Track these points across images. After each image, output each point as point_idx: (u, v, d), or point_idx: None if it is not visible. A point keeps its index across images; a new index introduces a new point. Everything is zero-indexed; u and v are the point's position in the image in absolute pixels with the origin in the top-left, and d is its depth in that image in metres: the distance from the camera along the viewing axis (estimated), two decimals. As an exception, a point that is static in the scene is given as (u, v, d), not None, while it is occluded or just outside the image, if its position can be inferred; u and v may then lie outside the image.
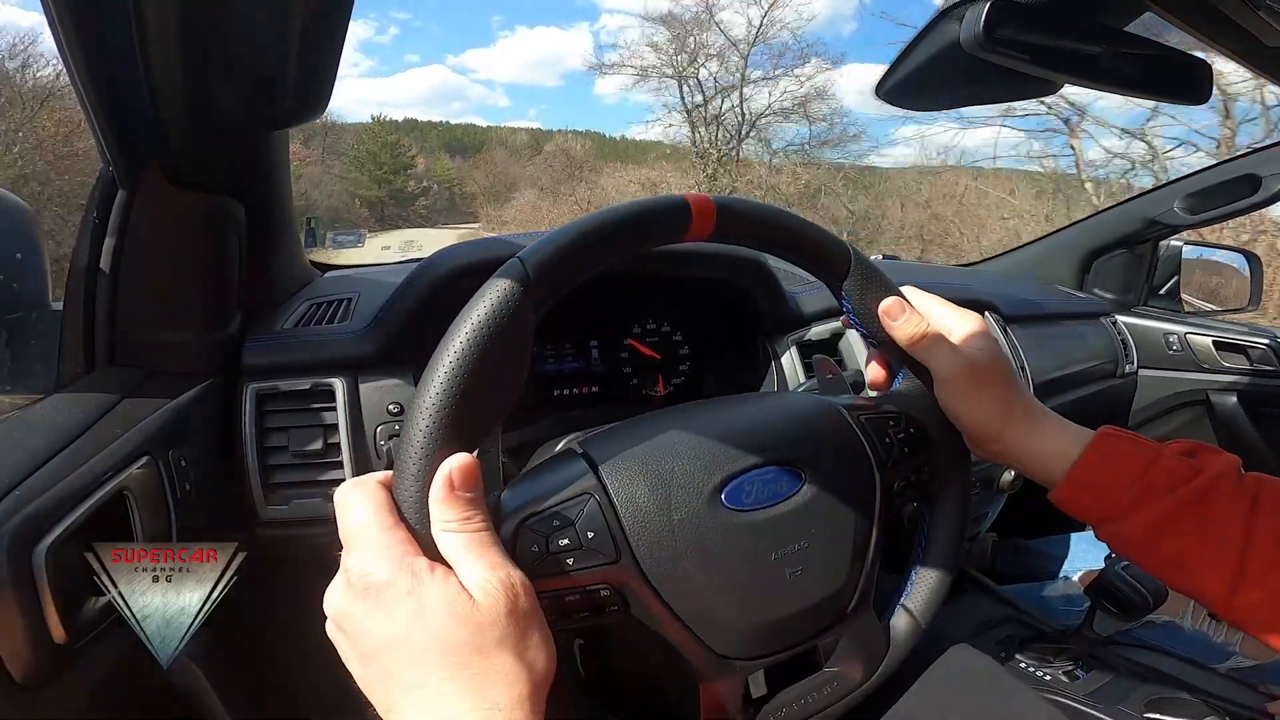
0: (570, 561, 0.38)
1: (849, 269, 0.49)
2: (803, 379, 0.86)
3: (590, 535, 0.39)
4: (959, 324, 0.50)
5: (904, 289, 0.51)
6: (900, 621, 0.50)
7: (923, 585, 0.52)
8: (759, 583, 0.42)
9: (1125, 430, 0.49)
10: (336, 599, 0.34)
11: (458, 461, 0.33)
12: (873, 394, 0.55)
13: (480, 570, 0.33)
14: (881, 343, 0.51)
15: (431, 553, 0.33)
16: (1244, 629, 0.45)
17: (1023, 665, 0.89)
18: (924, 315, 0.50)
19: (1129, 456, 0.47)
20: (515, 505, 0.39)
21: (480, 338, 0.35)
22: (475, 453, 0.35)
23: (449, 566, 0.33)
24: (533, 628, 0.33)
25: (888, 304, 0.49)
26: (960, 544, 0.52)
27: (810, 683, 0.46)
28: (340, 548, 0.35)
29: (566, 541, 0.39)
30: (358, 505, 0.34)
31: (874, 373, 0.55)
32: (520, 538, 0.38)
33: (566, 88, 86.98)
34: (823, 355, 0.57)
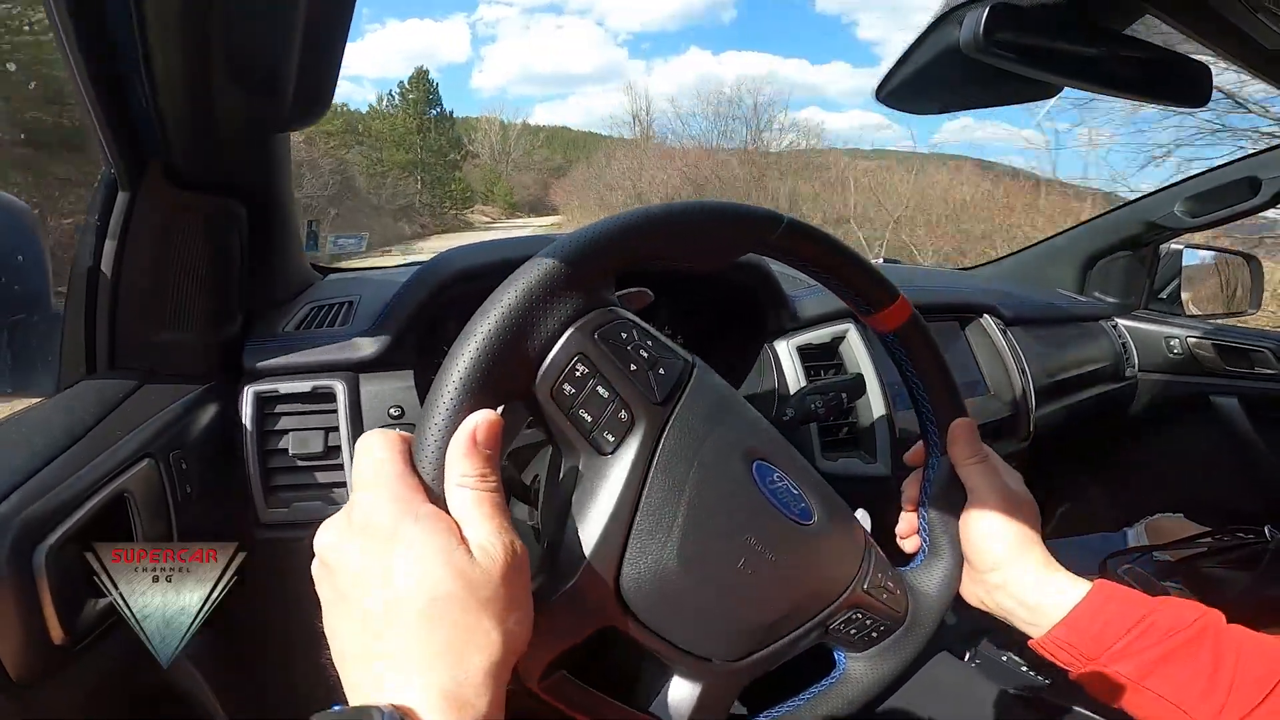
0: (633, 368, 0.40)
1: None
2: (803, 382, 0.86)
3: (661, 372, 0.41)
4: (1003, 464, 0.54)
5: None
6: None
7: None
8: (716, 544, 0.41)
9: (1119, 586, 0.51)
10: (331, 534, 0.34)
11: (484, 417, 0.34)
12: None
13: (485, 530, 0.33)
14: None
15: (440, 505, 0.33)
16: None
17: (1021, 668, 0.89)
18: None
19: (1132, 600, 0.49)
20: (630, 314, 0.42)
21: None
22: (500, 411, 0.36)
23: (455, 521, 0.33)
24: (520, 600, 0.33)
25: (960, 423, 0.53)
26: (851, 711, 0.50)
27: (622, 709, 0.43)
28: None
29: (645, 355, 0.40)
30: (377, 450, 0.34)
31: (911, 499, 0.57)
32: (619, 323, 0.40)
33: (443, 80, 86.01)
34: (863, 511, 0.58)
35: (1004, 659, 0.92)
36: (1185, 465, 1.59)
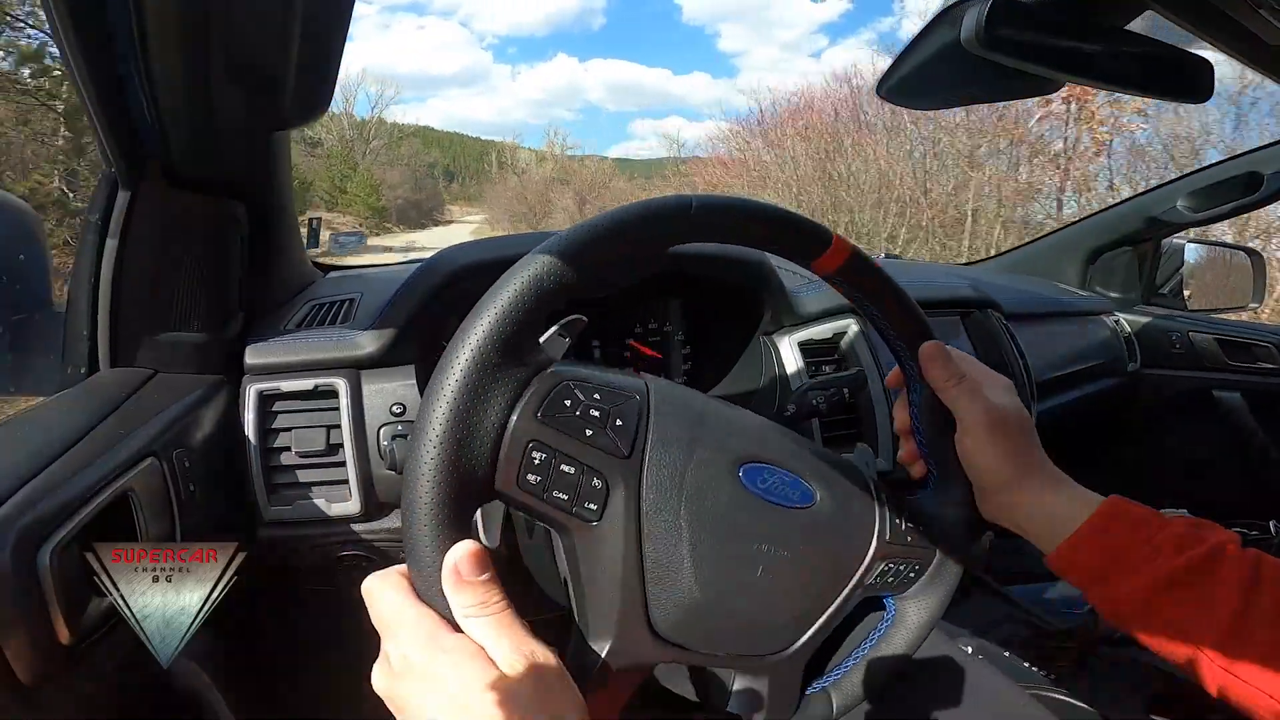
0: (589, 433, 0.39)
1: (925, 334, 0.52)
2: (805, 378, 0.86)
3: (619, 423, 0.40)
4: (987, 378, 0.53)
5: (944, 348, 0.53)
6: (818, 701, 0.49)
7: (856, 675, 0.50)
8: (730, 563, 0.42)
9: (1131, 501, 0.49)
10: (382, 683, 0.36)
11: (460, 552, 0.34)
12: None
13: (505, 648, 0.34)
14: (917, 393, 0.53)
15: (458, 630, 0.35)
16: (1243, 702, 0.44)
17: (1025, 664, 0.89)
18: (962, 368, 0.52)
19: (1138, 521, 0.48)
20: (568, 370, 0.40)
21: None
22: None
23: (479, 644, 0.34)
24: (563, 694, 0.35)
25: (929, 346, 0.51)
26: (911, 652, 0.51)
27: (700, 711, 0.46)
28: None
29: (596, 414, 0.39)
30: (386, 594, 0.36)
31: (900, 422, 0.56)
32: (559, 391, 0.39)
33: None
34: (865, 445, 0.58)
35: (1005, 654, 0.93)
36: (1188, 460, 1.59)
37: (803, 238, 0.46)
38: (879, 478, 0.52)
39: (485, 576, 0.34)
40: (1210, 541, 0.46)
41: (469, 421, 0.36)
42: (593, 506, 0.39)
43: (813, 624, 0.45)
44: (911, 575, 0.50)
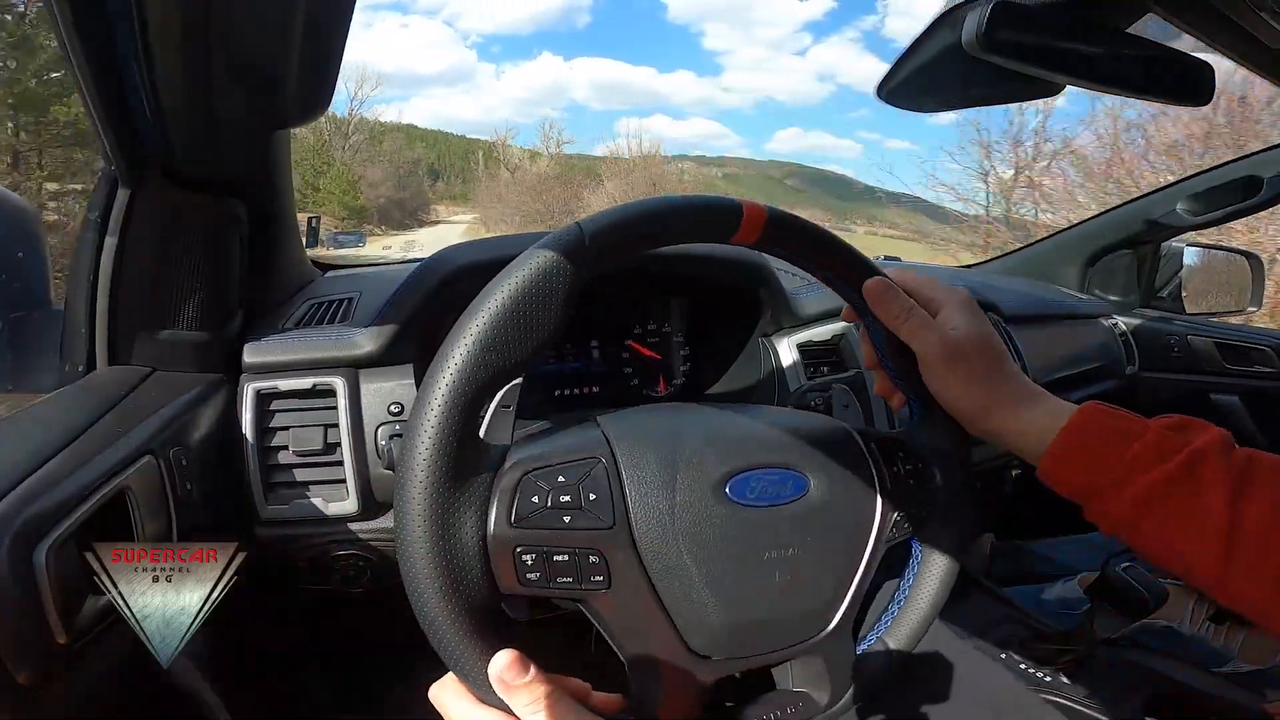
0: (567, 519, 0.39)
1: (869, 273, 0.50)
2: (804, 380, 0.86)
3: (592, 497, 0.40)
4: (945, 302, 0.51)
5: (890, 268, 0.52)
6: (876, 654, 0.50)
7: (905, 621, 0.51)
8: (746, 580, 0.42)
9: (1111, 405, 0.48)
10: None
11: (501, 664, 0.36)
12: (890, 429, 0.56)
13: None
14: (877, 336, 0.52)
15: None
16: (1242, 610, 0.43)
17: (1023, 666, 0.89)
18: (911, 293, 0.51)
19: (1112, 431, 0.46)
20: (524, 456, 0.40)
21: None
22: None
23: None
24: None
25: (871, 284, 0.50)
26: (949, 586, 0.51)
27: (775, 700, 0.46)
28: None
29: (568, 498, 0.39)
30: (452, 703, 0.38)
31: (868, 357, 0.55)
32: (522, 487, 0.38)
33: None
34: (843, 385, 0.57)
35: (1003, 655, 0.93)
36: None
37: (713, 216, 0.44)
38: (869, 431, 0.51)
39: (530, 677, 0.36)
40: (1190, 447, 0.44)
41: (451, 547, 0.36)
42: (599, 579, 0.39)
43: (846, 594, 0.46)
44: (925, 513, 0.50)
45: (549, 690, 0.36)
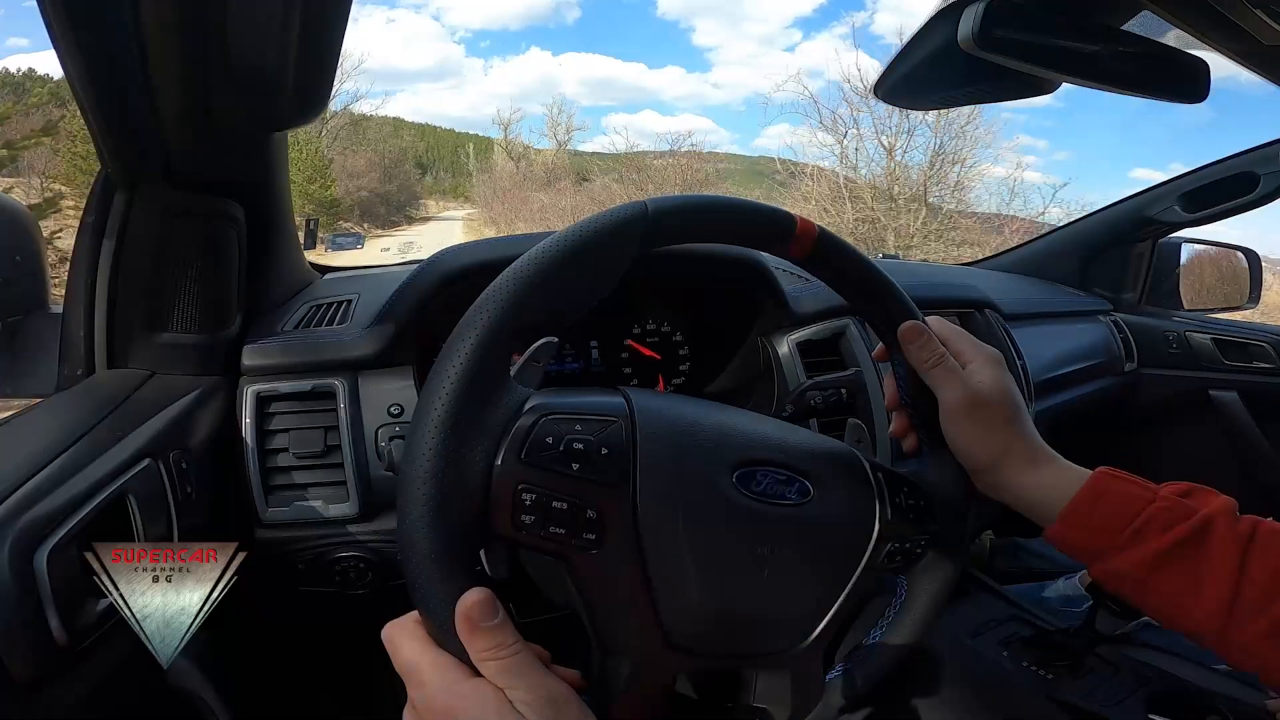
0: (576, 466, 0.38)
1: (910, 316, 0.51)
2: (803, 379, 0.86)
3: (604, 452, 0.39)
4: (974, 356, 0.52)
5: (929, 317, 0.53)
6: (842, 684, 0.50)
7: (877, 656, 0.51)
8: (736, 570, 0.42)
9: (1122, 472, 0.49)
10: None
11: (470, 600, 0.34)
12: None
13: (522, 689, 0.34)
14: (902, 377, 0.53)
15: (477, 673, 0.35)
16: (1239, 664, 0.45)
17: (1024, 664, 0.89)
18: (944, 342, 0.51)
19: (1125, 496, 0.47)
20: (546, 401, 0.40)
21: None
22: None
23: (497, 686, 0.35)
24: None
25: (906, 327, 0.51)
26: (926, 628, 0.52)
27: (732, 714, 0.45)
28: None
29: (580, 447, 0.39)
30: (405, 642, 0.36)
31: (890, 398, 0.56)
32: (538, 428, 0.38)
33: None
34: (856, 420, 0.57)
35: (1004, 653, 0.93)
36: (1185, 459, 1.59)
37: (767, 225, 0.46)
38: (878, 463, 0.51)
39: (497, 620, 0.35)
40: (1199, 514, 0.45)
41: (455, 472, 0.36)
42: (591, 536, 0.39)
43: (826, 613, 0.46)
44: (917, 551, 0.50)
45: (513, 639, 0.35)
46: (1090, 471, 0.49)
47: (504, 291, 0.37)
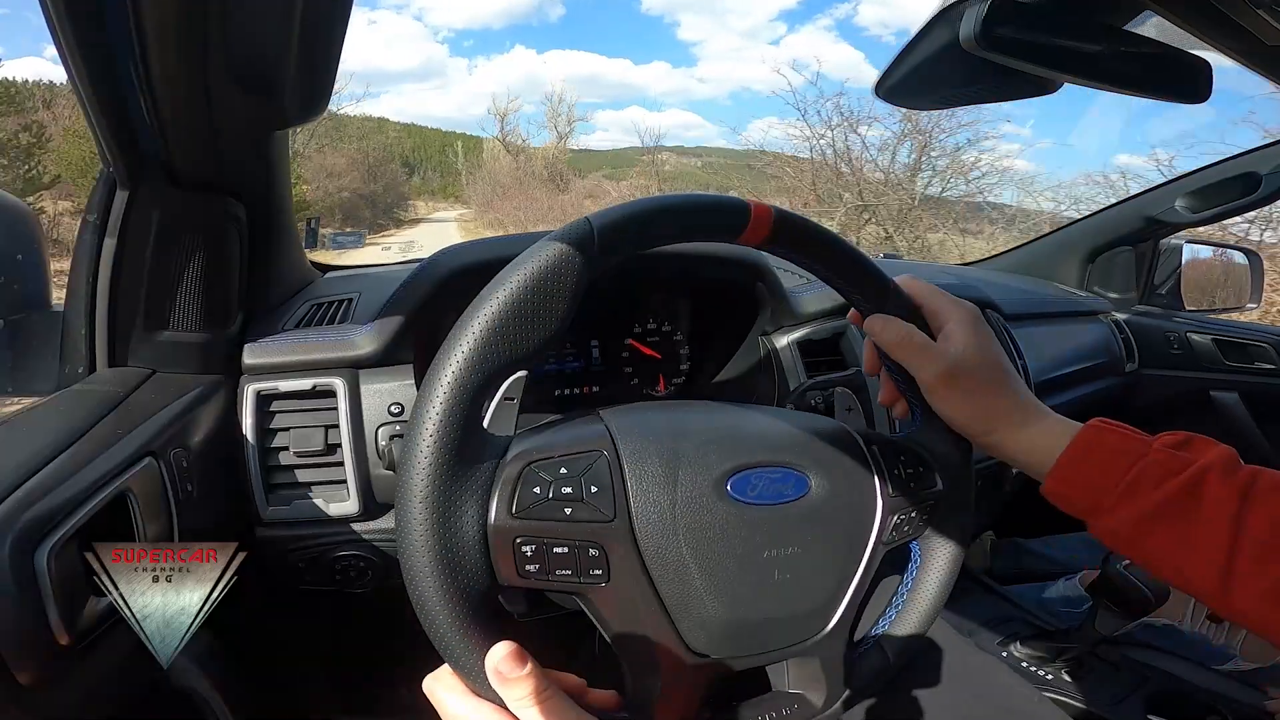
0: (568, 511, 0.39)
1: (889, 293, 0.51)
2: (804, 378, 0.86)
3: (594, 490, 0.39)
4: (949, 315, 0.51)
5: (901, 277, 0.52)
6: (872, 657, 0.50)
7: (901, 625, 0.51)
8: (746, 578, 0.42)
9: (1114, 423, 0.48)
10: None
11: (498, 656, 0.36)
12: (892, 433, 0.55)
13: None
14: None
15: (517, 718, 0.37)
16: (1242, 624, 0.44)
17: (1024, 664, 0.89)
18: (918, 303, 0.51)
19: (1116, 450, 0.46)
20: (526, 447, 0.40)
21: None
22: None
23: None
24: None
25: (867, 321, 0.50)
26: (948, 589, 0.51)
27: (771, 701, 0.46)
28: None
29: (569, 490, 0.39)
30: (447, 696, 0.38)
31: (870, 363, 0.55)
32: (524, 478, 0.38)
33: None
34: (845, 388, 0.57)
35: (1004, 653, 0.93)
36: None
37: (719, 215, 0.44)
38: (872, 434, 0.51)
39: (526, 670, 0.36)
40: (1194, 465, 0.44)
41: (450, 539, 0.36)
42: (597, 572, 0.39)
43: (844, 595, 0.46)
44: (925, 518, 0.50)
45: (544, 685, 0.36)
46: (1081, 425, 0.48)
47: (460, 352, 0.37)
